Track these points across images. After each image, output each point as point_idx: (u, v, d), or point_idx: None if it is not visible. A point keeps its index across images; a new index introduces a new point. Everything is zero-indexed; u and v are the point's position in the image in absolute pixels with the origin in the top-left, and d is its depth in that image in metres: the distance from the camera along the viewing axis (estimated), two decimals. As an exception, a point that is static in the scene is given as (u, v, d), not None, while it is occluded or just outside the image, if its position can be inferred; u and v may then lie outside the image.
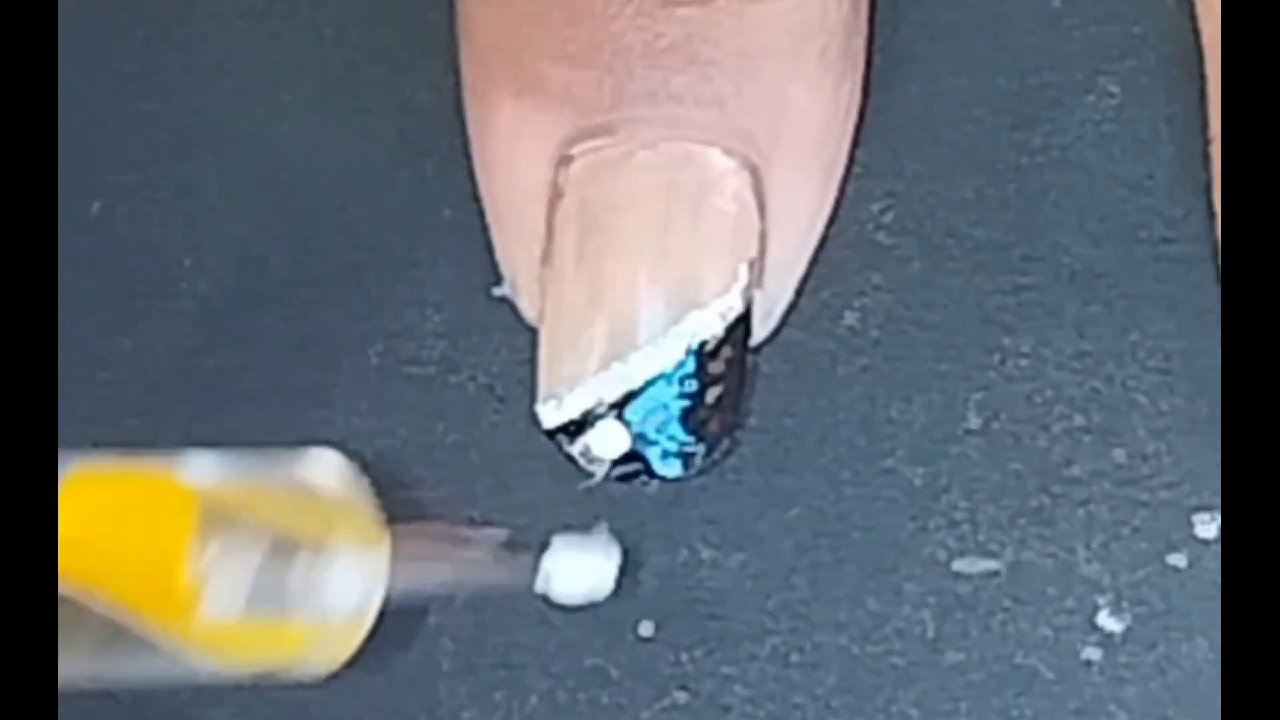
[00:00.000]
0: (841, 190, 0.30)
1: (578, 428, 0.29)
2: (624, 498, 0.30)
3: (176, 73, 0.32)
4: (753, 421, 0.30)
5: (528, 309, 0.30)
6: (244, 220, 0.32)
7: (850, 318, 0.31)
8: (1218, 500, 0.29)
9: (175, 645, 0.26)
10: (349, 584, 0.27)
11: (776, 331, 0.30)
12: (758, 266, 0.29)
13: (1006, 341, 0.30)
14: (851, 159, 0.31)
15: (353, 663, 0.28)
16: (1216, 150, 0.29)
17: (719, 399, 0.29)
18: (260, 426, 0.31)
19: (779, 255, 0.30)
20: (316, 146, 0.32)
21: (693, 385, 0.29)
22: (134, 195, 0.32)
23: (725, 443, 0.29)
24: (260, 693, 0.30)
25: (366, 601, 0.27)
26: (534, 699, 0.30)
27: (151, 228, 0.32)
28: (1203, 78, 0.30)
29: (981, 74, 0.31)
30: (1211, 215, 0.30)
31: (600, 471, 0.29)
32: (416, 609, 0.30)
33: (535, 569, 0.28)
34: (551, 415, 0.29)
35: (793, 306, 0.30)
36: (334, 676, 0.28)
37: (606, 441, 0.29)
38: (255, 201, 0.32)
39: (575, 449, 0.29)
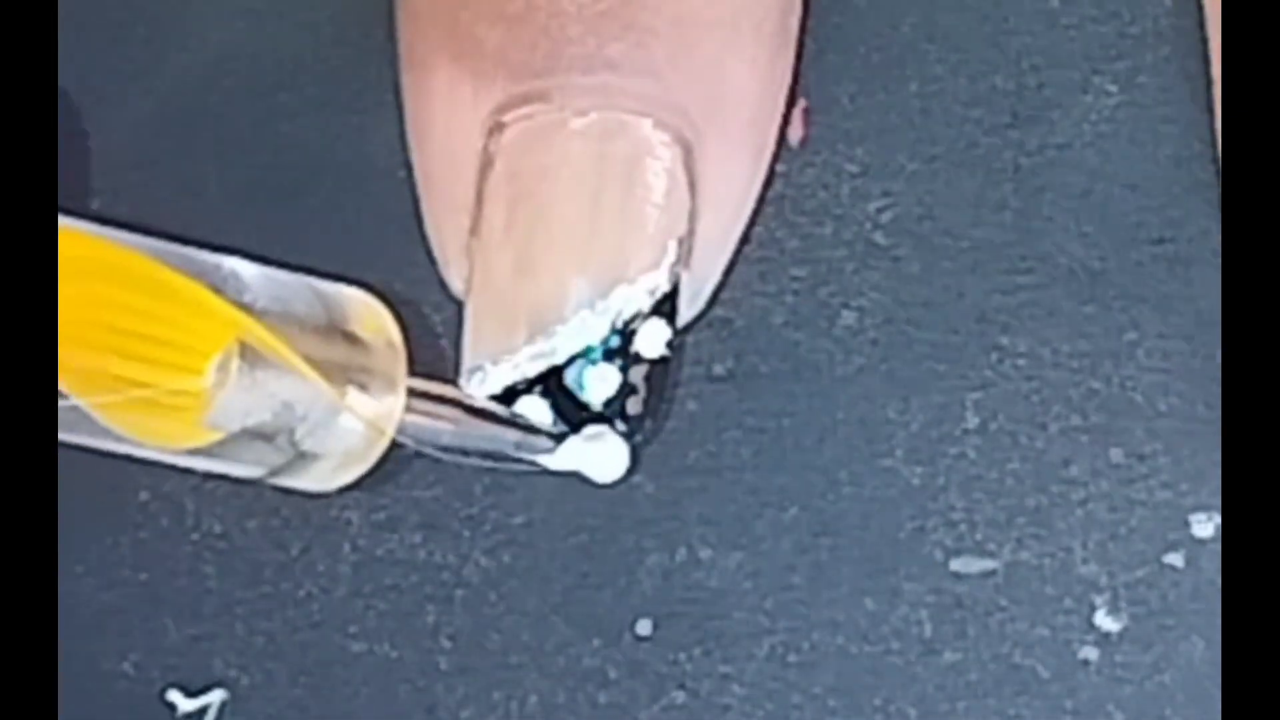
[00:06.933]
0: (771, 172, 0.30)
1: (501, 403, 0.29)
2: (622, 496, 0.30)
3: (176, 73, 0.32)
4: (750, 421, 0.30)
5: (455, 281, 0.30)
6: (244, 220, 0.32)
7: (848, 317, 0.31)
8: (1215, 500, 0.29)
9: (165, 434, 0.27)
10: (355, 430, 0.27)
11: (704, 313, 0.30)
12: (686, 245, 0.29)
13: (1004, 341, 0.30)
14: (775, 139, 0.30)
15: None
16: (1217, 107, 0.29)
17: (643, 379, 0.29)
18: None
19: (708, 234, 0.29)
20: (316, 146, 0.32)
21: (617, 363, 0.29)
22: (134, 195, 0.32)
23: (648, 425, 0.29)
24: (260, 690, 0.30)
25: (368, 447, 0.27)
26: (532, 698, 0.30)
27: (151, 228, 0.32)
28: (1207, 72, 0.30)
29: (979, 74, 0.31)
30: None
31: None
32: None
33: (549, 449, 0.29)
34: (475, 390, 0.29)
35: (789, 303, 0.30)
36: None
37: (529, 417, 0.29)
38: (255, 201, 0.32)
39: None
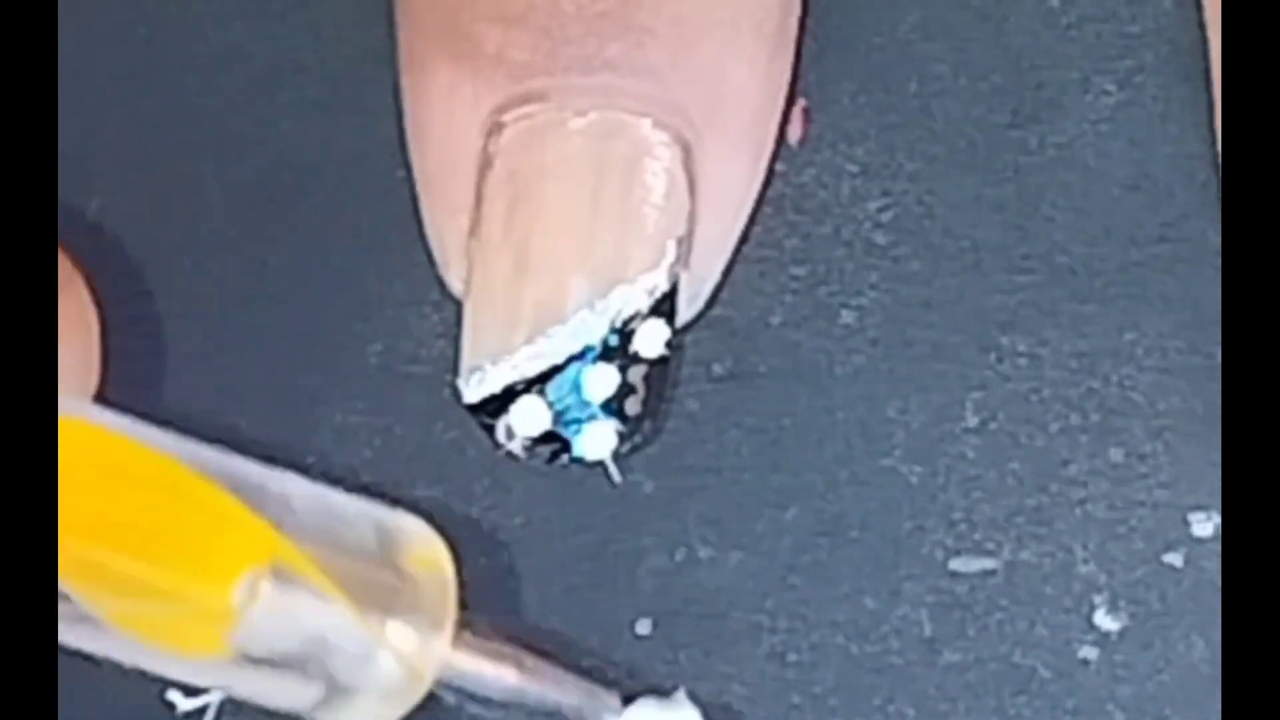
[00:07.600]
0: (770, 171, 0.31)
1: (499, 404, 0.29)
2: (622, 496, 0.30)
3: (176, 73, 0.32)
4: (750, 420, 0.30)
5: (454, 281, 0.30)
6: (244, 220, 0.32)
7: (848, 316, 0.31)
8: (1214, 500, 0.29)
9: (188, 649, 0.26)
10: (393, 670, 0.26)
11: (703, 313, 0.30)
12: (686, 245, 0.29)
13: (1004, 341, 0.30)
14: (778, 140, 0.31)
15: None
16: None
17: (641, 380, 0.29)
18: (260, 425, 0.31)
19: (708, 235, 0.30)
20: (316, 146, 0.32)
21: (616, 363, 0.29)
22: (134, 195, 0.32)
23: (647, 426, 0.29)
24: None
25: (408, 689, 0.26)
26: (532, 698, 0.30)
27: (151, 228, 0.32)
28: (1207, 72, 0.30)
29: (979, 74, 0.31)
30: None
31: (519, 449, 0.29)
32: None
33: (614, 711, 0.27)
34: (473, 390, 0.29)
35: (789, 302, 0.30)
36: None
37: (526, 419, 0.29)
38: (255, 201, 0.32)
39: (497, 426, 0.29)
